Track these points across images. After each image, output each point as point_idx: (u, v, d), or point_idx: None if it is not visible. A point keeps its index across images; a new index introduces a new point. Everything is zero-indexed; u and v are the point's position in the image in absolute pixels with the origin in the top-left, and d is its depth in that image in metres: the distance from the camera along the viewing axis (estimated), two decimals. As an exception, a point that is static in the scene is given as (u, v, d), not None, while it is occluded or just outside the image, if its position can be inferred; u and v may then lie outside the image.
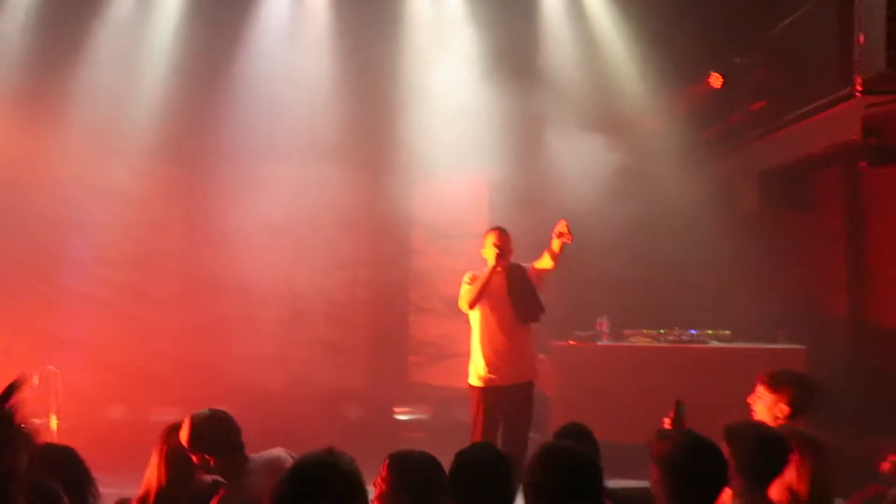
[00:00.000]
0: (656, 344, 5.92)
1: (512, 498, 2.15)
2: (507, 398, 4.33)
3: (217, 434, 2.68)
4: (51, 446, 2.34)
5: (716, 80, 6.33)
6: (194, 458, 2.66)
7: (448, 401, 6.93)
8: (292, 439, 3.11)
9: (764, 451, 2.28)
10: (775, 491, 2.39)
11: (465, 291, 4.37)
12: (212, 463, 2.67)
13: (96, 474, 2.26)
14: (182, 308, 7.12)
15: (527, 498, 1.93)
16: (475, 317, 4.45)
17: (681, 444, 2.08)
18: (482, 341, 4.41)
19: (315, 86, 6.97)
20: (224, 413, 2.78)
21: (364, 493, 1.63)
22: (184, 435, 2.64)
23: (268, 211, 7.13)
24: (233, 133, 6.94)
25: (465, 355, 4.84)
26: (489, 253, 4.38)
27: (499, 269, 4.33)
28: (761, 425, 2.66)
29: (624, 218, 6.61)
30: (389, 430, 6.87)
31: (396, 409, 7.17)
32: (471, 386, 4.47)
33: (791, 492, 2.38)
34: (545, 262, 4.51)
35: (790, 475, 2.38)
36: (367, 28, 6.94)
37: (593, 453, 2.02)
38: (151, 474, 2.66)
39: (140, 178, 7.00)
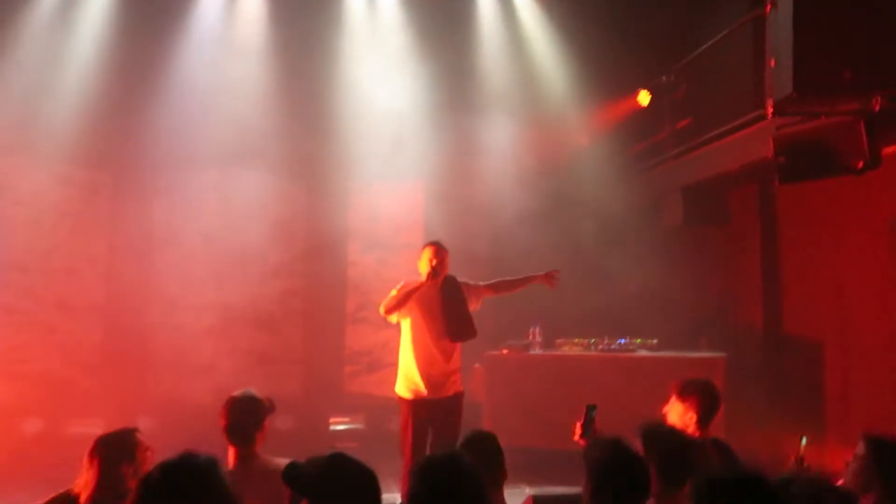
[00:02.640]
0: (587, 353, 6.06)
1: None
2: (435, 410, 4.33)
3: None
4: None
5: (644, 98, 6.60)
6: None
7: (383, 410, 6.89)
8: (222, 451, 3.05)
9: (678, 453, 2.37)
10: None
11: (388, 297, 4.37)
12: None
13: (9, 488, 2.19)
14: (104, 317, 6.87)
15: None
16: (406, 327, 4.44)
17: (608, 453, 2.13)
18: (413, 353, 4.39)
19: (248, 93, 6.87)
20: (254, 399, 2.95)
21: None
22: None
23: (197, 218, 6.96)
24: (162, 138, 6.75)
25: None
26: (424, 267, 4.39)
27: (429, 283, 4.34)
28: (674, 429, 2.77)
29: (556, 229, 6.79)
30: (324, 441, 6.78)
31: (331, 419, 7.09)
32: (399, 397, 4.46)
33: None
34: (509, 286, 4.65)
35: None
36: (302, 36, 6.90)
37: (470, 464, 2.00)
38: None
39: (62, 182, 6.72)
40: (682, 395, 3.17)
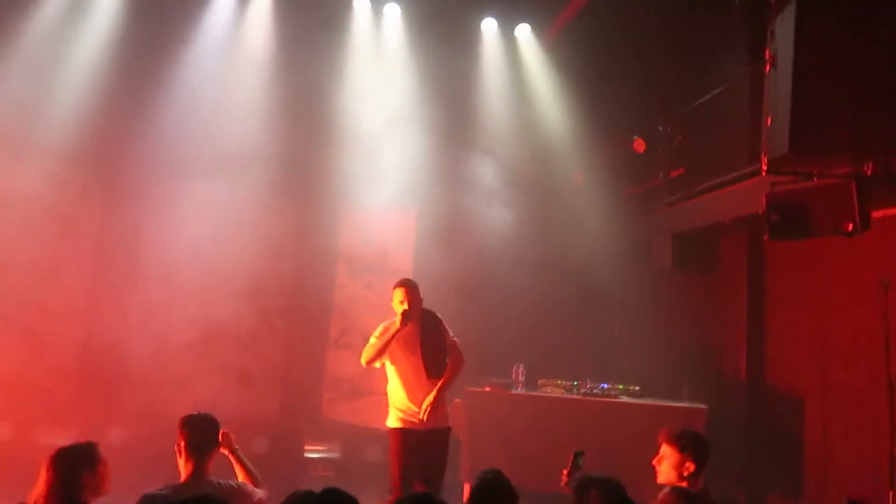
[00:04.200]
0: (569, 395, 6.01)
1: None
2: (423, 442, 4.32)
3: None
4: None
5: (640, 145, 6.69)
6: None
7: (360, 439, 6.82)
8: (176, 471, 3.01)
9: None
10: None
11: (369, 347, 4.36)
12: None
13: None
14: (85, 324, 6.75)
15: None
16: (390, 366, 4.45)
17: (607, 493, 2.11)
18: (399, 388, 4.41)
19: (248, 108, 6.89)
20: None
21: None
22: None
23: (187, 230, 6.90)
24: (159, 147, 6.72)
25: (380, 394, 4.80)
26: (397, 308, 4.39)
27: (403, 328, 4.31)
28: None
29: (546, 268, 6.81)
30: (298, 467, 6.66)
31: (307, 446, 6.98)
32: (389, 428, 4.45)
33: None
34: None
35: None
36: (306, 56, 6.94)
37: None
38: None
39: (53, 184, 6.65)
40: (680, 446, 3.18)
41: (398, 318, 4.32)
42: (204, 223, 6.98)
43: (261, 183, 7.07)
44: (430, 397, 4.31)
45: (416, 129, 6.93)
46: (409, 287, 4.40)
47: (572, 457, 3.16)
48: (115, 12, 6.64)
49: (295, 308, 7.30)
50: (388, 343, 4.30)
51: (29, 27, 6.36)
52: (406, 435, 4.34)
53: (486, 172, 7.10)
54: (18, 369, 6.35)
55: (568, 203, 7.18)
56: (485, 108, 7.30)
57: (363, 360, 4.39)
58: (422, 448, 4.31)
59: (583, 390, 5.98)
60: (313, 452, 6.95)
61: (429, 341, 4.38)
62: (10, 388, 6.27)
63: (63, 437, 5.37)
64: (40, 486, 2.54)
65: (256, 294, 7.14)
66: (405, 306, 4.31)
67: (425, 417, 4.30)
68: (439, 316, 4.55)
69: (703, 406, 5.65)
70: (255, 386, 7.01)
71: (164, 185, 6.96)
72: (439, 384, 4.36)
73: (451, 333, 4.56)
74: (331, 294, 7.40)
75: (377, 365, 4.43)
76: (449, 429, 4.46)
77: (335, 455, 6.86)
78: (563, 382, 6.09)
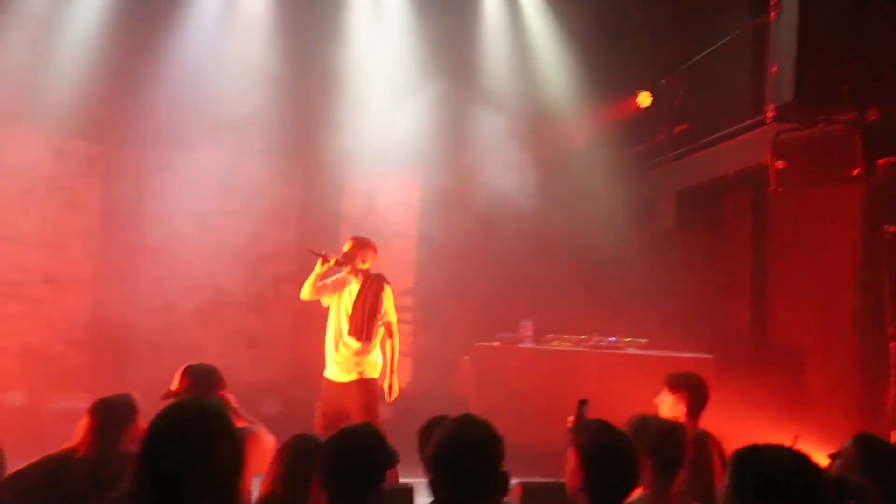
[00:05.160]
0: (576, 349, 6.09)
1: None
2: (344, 393, 4.47)
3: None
4: None
5: (644, 99, 6.65)
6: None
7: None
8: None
9: (664, 439, 2.41)
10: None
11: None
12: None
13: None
14: (92, 293, 6.81)
15: (427, 471, 1.98)
16: (329, 313, 4.59)
17: (602, 439, 2.13)
18: (329, 338, 4.57)
19: (249, 75, 6.85)
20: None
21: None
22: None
23: (191, 198, 6.92)
24: (160, 116, 6.69)
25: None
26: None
27: (353, 276, 4.46)
28: (659, 417, 2.79)
29: (550, 227, 6.82)
30: (309, 427, 6.75)
31: (317, 405, 7.08)
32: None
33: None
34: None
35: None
36: (305, 21, 6.87)
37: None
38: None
39: (56, 155, 6.65)
40: (673, 388, 3.20)
41: (321, 262, 4.42)
42: (208, 190, 7.00)
43: (264, 149, 7.07)
44: (389, 379, 4.49)
45: (418, 90, 6.89)
46: (356, 241, 4.54)
47: (577, 406, 3.20)
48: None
49: (302, 273, 7.30)
50: (314, 281, 4.44)
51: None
52: (328, 386, 4.53)
53: (490, 133, 7.07)
54: (29, 338, 6.42)
55: (572, 162, 7.16)
56: (488, 67, 7.24)
57: (301, 294, 4.52)
58: (344, 399, 4.45)
59: (590, 343, 6.05)
60: (325, 412, 7.05)
61: (362, 301, 4.47)
62: (21, 356, 6.34)
63: (76, 403, 5.49)
64: (81, 433, 2.61)
65: (263, 260, 7.19)
66: (341, 255, 4.45)
67: (390, 398, 4.49)
68: (388, 286, 4.57)
69: (710, 356, 5.72)
70: (265, 350, 7.10)
71: (166, 152, 6.95)
72: (390, 363, 4.53)
73: (391, 309, 4.56)
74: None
75: (325, 302, 4.55)
76: (367, 380, 4.50)
77: (346, 414, 6.96)
78: (571, 337, 6.15)
